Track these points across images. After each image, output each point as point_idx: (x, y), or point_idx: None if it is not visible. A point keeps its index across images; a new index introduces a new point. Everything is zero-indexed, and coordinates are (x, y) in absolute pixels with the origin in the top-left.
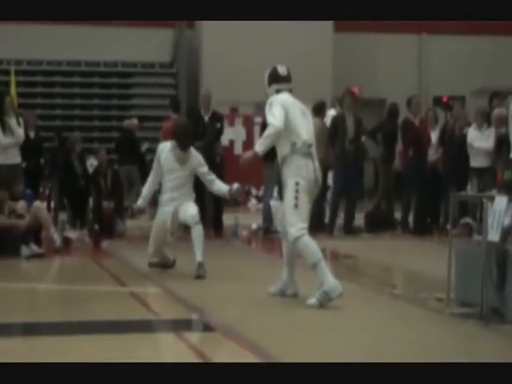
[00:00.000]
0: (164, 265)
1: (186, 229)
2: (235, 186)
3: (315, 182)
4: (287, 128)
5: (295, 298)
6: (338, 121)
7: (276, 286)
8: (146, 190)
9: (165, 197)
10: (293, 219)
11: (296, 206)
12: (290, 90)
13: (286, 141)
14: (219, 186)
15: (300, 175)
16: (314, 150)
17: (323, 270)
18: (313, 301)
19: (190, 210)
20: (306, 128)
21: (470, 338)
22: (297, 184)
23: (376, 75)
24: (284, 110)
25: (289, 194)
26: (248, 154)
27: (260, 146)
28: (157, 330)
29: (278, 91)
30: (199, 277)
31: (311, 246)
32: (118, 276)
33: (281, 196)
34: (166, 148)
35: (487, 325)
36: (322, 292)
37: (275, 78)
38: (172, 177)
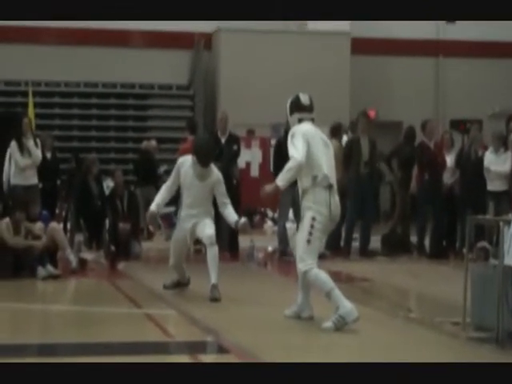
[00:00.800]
0: (178, 283)
1: (198, 251)
2: (243, 220)
3: (333, 218)
4: (309, 160)
5: (310, 321)
6: (352, 143)
7: (291, 309)
8: (160, 196)
9: (183, 213)
10: (303, 254)
11: (309, 241)
12: (313, 120)
13: (307, 174)
14: (229, 213)
15: (318, 211)
16: (334, 184)
17: (337, 296)
18: (329, 324)
19: (207, 230)
20: (327, 161)
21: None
22: (313, 219)
23: (393, 98)
24: (306, 143)
25: (304, 227)
26: (269, 188)
27: (282, 181)
28: (172, 352)
29: (300, 120)
30: (214, 299)
31: (321, 276)
32: (134, 298)
33: (297, 220)
34: (186, 163)
35: (503, 349)
36: (338, 316)
37: (297, 107)
38: (191, 193)
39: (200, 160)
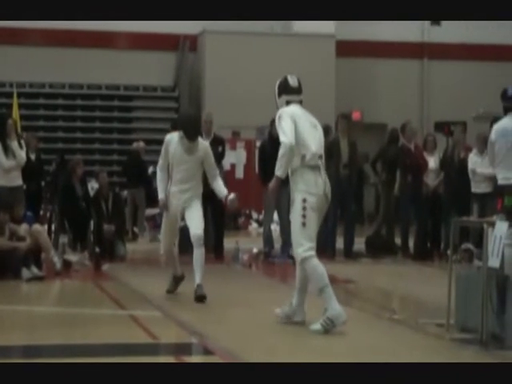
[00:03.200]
0: (176, 280)
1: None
2: (231, 195)
3: (325, 198)
4: (296, 140)
5: (297, 324)
6: (332, 145)
7: (283, 310)
8: (161, 182)
9: (174, 188)
10: (300, 239)
11: (304, 224)
12: (301, 102)
13: (295, 154)
14: (219, 186)
15: (308, 191)
16: (322, 162)
17: (329, 296)
18: (317, 327)
19: (196, 229)
20: (315, 140)
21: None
22: (304, 201)
23: (378, 100)
24: (293, 123)
25: (296, 211)
26: (272, 183)
27: (279, 169)
28: (156, 353)
29: (288, 103)
30: (200, 297)
31: (319, 269)
32: (118, 299)
33: (289, 211)
34: (173, 140)
35: (487, 350)
36: (327, 318)
37: (285, 89)
38: (181, 168)
39: (187, 134)
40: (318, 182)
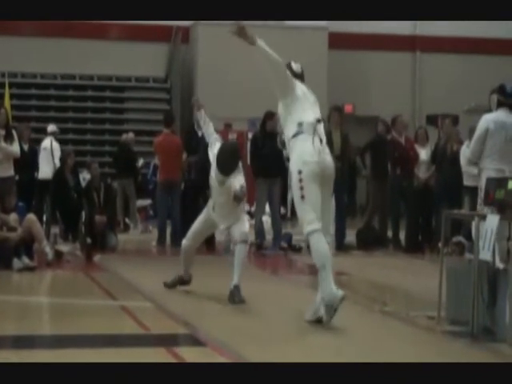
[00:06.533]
0: (180, 281)
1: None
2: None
3: (323, 165)
4: (294, 106)
5: (290, 314)
6: None
7: (309, 312)
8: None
9: (217, 211)
10: (302, 213)
11: (302, 197)
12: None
13: (292, 121)
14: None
15: (303, 161)
16: (321, 128)
17: (324, 276)
18: (325, 317)
19: (241, 226)
20: (314, 113)
21: (460, 356)
22: (300, 172)
23: (370, 93)
24: (295, 84)
25: (294, 185)
26: (248, 32)
27: (260, 43)
28: (147, 344)
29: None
30: (235, 301)
31: (321, 247)
32: (109, 290)
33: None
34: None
35: (478, 343)
36: (325, 306)
37: (294, 74)
38: (215, 196)
39: (219, 167)
40: (312, 148)
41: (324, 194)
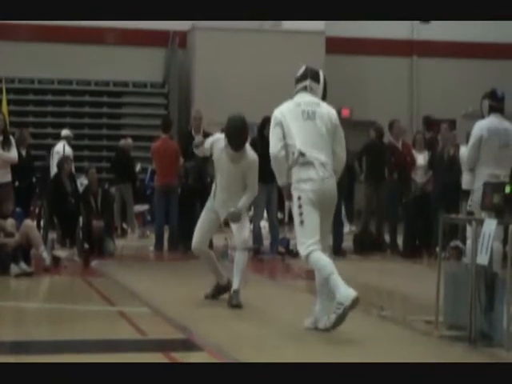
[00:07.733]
0: (218, 288)
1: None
2: (231, 210)
3: (322, 195)
4: (286, 141)
5: (289, 318)
6: None
7: (310, 320)
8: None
9: (220, 196)
10: (300, 238)
11: (301, 222)
12: (305, 88)
13: (288, 152)
14: (242, 201)
15: (302, 189)
16: (315, 156)
17: (335, 282)
18: (331, 316)
19: (243, 232)
20: (305, 135)
21: (458, 360)
22: (299, 198)
23: (367, 97)
24: (279, 126)
25: (294, 211)
26: (285, 193)
27: (279, 180)
28: (145, 349)
29: (296, 93)
30: (233, 306)
31: (321, 261)
32: (107, 295)
33: None
34: (218, 146)
35: (475, 348)
36: (336, 303)
37: (295, 81)
38: (225, 177)
39: (232, 144)
40: (310, 178)
41: (324, 217)
